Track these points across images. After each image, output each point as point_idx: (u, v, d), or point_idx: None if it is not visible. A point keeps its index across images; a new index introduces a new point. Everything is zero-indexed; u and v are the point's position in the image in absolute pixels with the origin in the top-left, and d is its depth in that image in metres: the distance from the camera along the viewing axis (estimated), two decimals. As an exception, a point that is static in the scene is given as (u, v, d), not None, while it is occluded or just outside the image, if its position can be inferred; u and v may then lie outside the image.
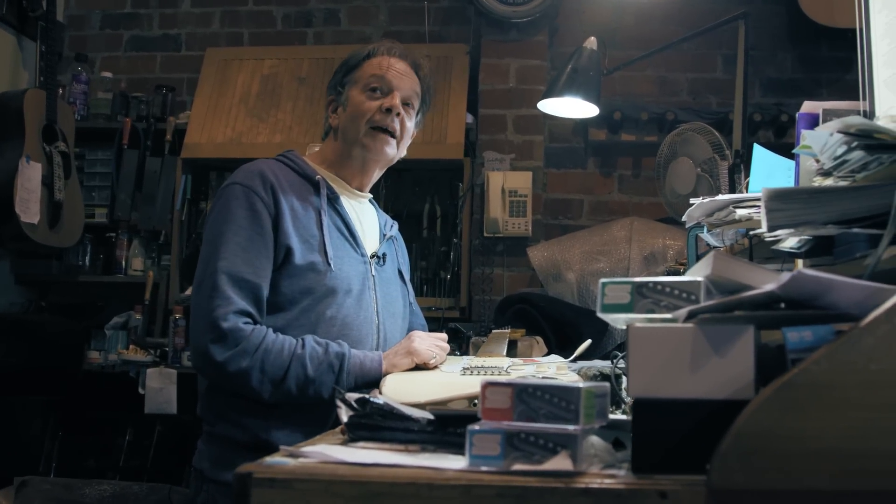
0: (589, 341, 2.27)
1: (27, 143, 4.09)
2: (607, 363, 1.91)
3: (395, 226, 2.45)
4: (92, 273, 4.71)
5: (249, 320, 1.99)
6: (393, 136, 2.24)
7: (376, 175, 2.35)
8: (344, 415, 1.32)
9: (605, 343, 2.90)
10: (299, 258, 2.06)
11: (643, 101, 4.53)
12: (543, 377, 1.95)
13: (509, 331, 2.72)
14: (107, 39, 5.08)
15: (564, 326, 3.32)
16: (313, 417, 1.97)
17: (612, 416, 1.36)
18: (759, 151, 2.09)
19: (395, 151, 2.28)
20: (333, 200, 2.20)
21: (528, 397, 1.04)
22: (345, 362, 2.00)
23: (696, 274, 1.18)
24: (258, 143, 4.35)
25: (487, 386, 1.07)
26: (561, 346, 2.92)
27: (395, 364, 2.07)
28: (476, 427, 1.05)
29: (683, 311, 1.08)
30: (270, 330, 2.00)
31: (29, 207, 4.03)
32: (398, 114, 2.23)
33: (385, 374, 2.02)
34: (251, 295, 2.00)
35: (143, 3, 5.08)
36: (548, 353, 2.60)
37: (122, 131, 4.64)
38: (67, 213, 4.26)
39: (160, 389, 4.17)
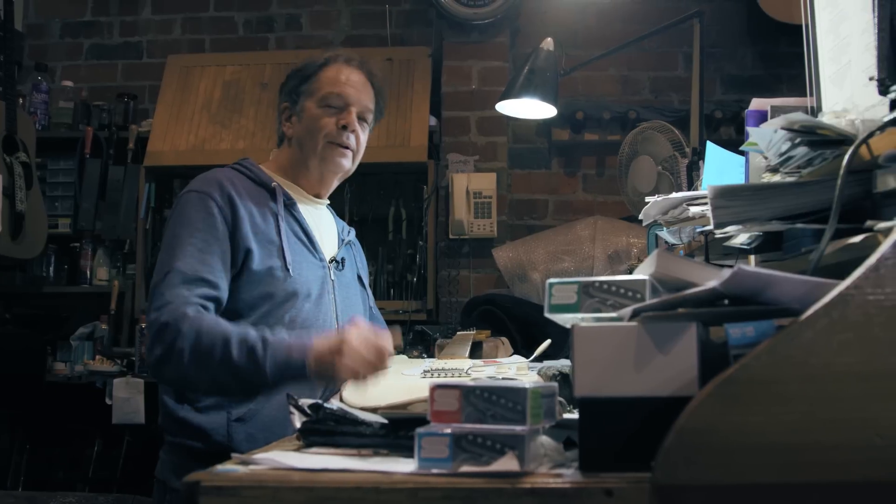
0: (548, 341, 2.28)
1: (-14, 155, 4.05)
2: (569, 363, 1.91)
3: (353, 231, 2.45)
4: (56, 284, 4.68)
5: (199, 308, 1.94)
6: (349, 148, 2.26)
7: (334, 184, 2.35)
8: (297, 421, 1.32)
9: (570, 343, 2.91)
10: (258, 263, 2.05)
11: (606, 101, 4.55)
12: (504, 378, 1.96)
13: (474, 332, 2.72)
14: (67, 48, 5.04)
15: (530, 327, 3.34)
16: (275, 426, 1.96)
17: (569, 416, 1.37)
18: (711, 149, 2.11)
19: (350, 164, 2.29)
20: (290, 207, 2.20)
21: (476, 399, 1.05)
22: (268, 346, 1.87)
23: (643, 273, 1.19)
24: (221, 150, 4.33)
25: (436, 388, 1.07)
26: (527, 346, 2.93)
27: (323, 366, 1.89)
28: (424, 430, 1.05)
29: (628, 310, 1.08)
30: (211, 315, 1.94)
31: (-10, 219, 4.00)
32: (353, 130, 2.24)
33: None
34: (206, 294, 1.97)
35: (104, 10, 5.04)
36: (513, 354, 2.60)
37: (83, 140, 4.61)
38: (30, 223, 4.22)
39: (127, 399, 4.15)
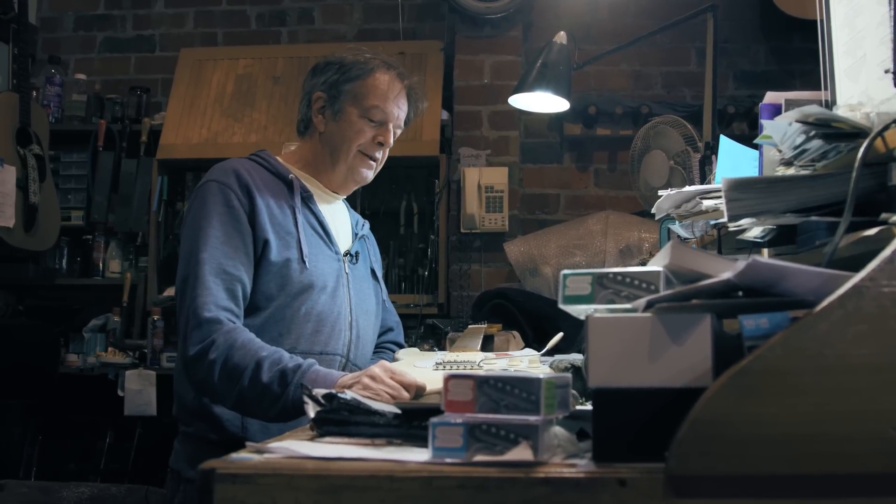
0: (560, 334, 2.28)
1: (0, 147, 4.06)
2: (581, 356, 1.91)
3: (367, 225, 2.45)
4: (69, 276, 4.69)
5: (230, 315, 1.98)
6: (376, 161, 2.28)
7: (352, 190, 2.37)
8: (311, 410, 1.32)
9: (582, 336, 2.91)
10: (275, 254, 2.06)
11: (618, 96, 4.55)
12: (515, 370, 1.96)
13: (485, 326, 2.72)
14: (80, 41, 5.06)
15: (541, 321, 3.34)
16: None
17: (581, 407, 1.37)
18: (725, 143, 2.10)
19: (373, 176, 2.32)
20: (307, 199, 2.21)
21: (490, 389, 1.05)
22: (298, 373, 1.90)
23: (657, 264, 1.19)
24: (233, 143, 4.34)
25: (450, 379, 1.07)
26: (538, 340, 2.93)
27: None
28: (438, 419, 1.05)
29: (642, 301, 1.09)
30: (246, 330, 1.98)
31: (4, 211, 4.00)
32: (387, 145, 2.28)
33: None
34: (232, 286, 2.00)
35: (117, 4, 5.06)
36: (524, 348, 2.61)
37: (96, 133, 4.63)
38: (43, 216, 4.24)
39: (139, 391, 4.17)
